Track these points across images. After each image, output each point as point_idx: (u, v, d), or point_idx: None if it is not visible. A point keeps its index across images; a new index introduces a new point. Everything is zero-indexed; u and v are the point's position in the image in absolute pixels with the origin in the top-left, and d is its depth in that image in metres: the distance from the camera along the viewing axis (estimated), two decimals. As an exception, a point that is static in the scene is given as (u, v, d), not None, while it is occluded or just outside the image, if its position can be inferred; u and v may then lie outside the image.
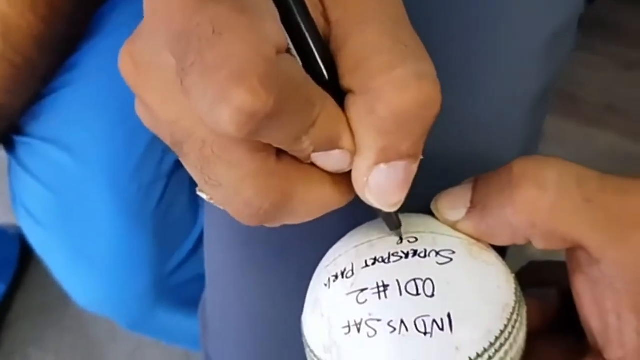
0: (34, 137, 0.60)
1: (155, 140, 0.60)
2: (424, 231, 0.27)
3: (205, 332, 0.47)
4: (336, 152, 0.23)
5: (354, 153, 0.23)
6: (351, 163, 0.23)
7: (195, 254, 0.66)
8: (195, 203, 0.66)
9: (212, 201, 0.25)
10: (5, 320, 1.17)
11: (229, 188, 0.22)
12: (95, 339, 1.15)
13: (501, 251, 0.31)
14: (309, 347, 0.27)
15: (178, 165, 0.63)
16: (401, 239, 0.27)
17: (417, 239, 0.26)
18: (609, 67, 0.95)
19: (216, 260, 0.43)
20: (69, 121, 0.60)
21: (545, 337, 0.30)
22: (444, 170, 0.30)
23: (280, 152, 0.23)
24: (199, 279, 0.47)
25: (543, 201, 0.25)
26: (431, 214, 0.28)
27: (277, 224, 0.25)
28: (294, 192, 0.23)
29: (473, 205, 0.27)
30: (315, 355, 0.27)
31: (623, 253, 0.25)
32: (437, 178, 0.28)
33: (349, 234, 0.29)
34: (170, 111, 0.22)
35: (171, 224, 0.64)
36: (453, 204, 0.27)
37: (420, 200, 0.28)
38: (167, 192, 0.63)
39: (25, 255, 1.17)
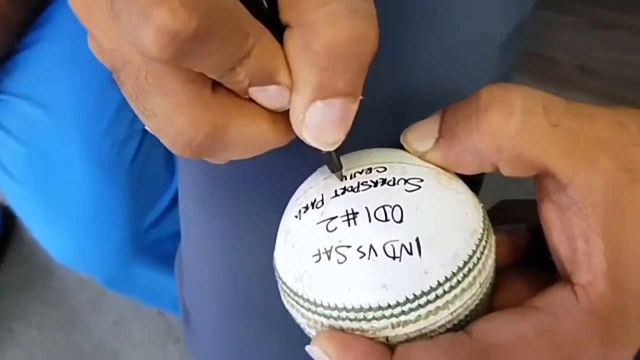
0: (7, 93, 0.60)
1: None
2: (392, 161, 0.27)
3: (181, 284, 0.48)
4: (273, 87, 0.23)
5: (292, 89, 0.23)
6: (290, 100, 0.24)
7: (173, 211, 0.67)
8: (172, 160, 0.67)
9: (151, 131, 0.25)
10: (-13, 295, 1.17)
11: (163, 118, 0.23)
12: (77, 311, 1.15)
13: (475, 185, 0.31)
14: (280, 279, 0.28)
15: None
16: (343, 177, 0.27)
17: (385, 169, 0.27)
18: (580, 27, 0.96)
19: (189, 208, 0.43)
20: (42, 77, 0.60)
21: (513, 272, 0.30)
22: (415, 108, 0.30)
23: (217, 86, 0.23)
24: (177, 237, 0.47)
25: (509, 126, 0.25)
26: (402, 148, 0.28)
27: (214, 158, 0.25)
28: (228, 125, 0.23)
29: (441, 135, 0.27)
30: (287, 287, 0.27)
31: (590, 177, 0.25)
32: (408, 117, 0.28)
33: (319, 169, 0.29)
34: (110, 39, 0.22)
35: (147, 180, 0.64)
36: (421, 134, 0.28)
37: (389, 139, 0.29)
38: (142, 148, 0.63)
39: (7, 231, 1.16)
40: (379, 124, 0.31)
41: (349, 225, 0.25)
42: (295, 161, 0.31)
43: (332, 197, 0.26)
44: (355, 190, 0.26)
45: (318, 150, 0.25)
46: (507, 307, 0.27)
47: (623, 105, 0.27)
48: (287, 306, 0.28)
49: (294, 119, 0.24)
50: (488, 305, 0.28)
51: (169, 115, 0.22)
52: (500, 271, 0.28)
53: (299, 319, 0.28)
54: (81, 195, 0.61)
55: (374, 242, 0.25)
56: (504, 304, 0.28)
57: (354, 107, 0.24)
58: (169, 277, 0.70)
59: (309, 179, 0.29)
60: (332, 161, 0.27)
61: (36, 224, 0.64)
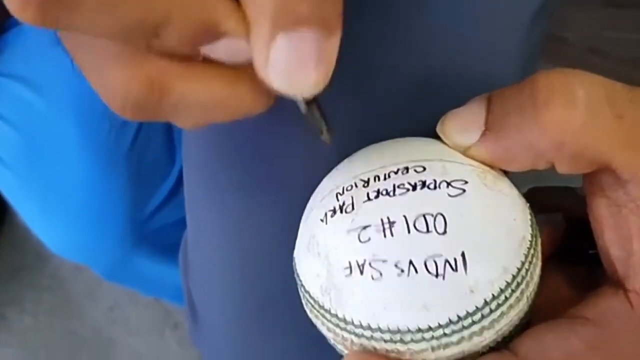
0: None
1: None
2: (431, 159, 0.24)
3: (186, 272, 0.46)
4: (221, 42, 0.20)
5: (244, 36, 0.19)
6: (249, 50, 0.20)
7: (175, 197, 0.64)
8: (172, 143, 0.64)
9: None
10: (-19, 281, 1.15)
11: (94, 75, 0.20)
12: (73, 298, 1.14)
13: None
14: (303, 287, 0.25)
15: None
16: (331, 139, 0.23)
17: (424, 168, 0.24)
18: (591, 5, 0.94)
19: (195, 192, 0.41)
20: (35, 57, 0.58)
21: (550, 266, 0.27)
22: (442, 89, 0.28)
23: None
24: (179, 224, 0.45)
25: (574, 120, 0.22)
26: (437, 137, 0.25)
27: (171, 119, 0.22)
28: (168, 83, 0.20)
29: (488, 128, 0.24)
30: (311, 297, 0.24)
31: None
32: (436, 97, 0.26)
33: (345, 162, 0.26)
34: None
35: (147, 166, 0.62)
36: (464, 126, 0.24)
37: (419, 123, 0.26)
38: (140, 133, 0.60)
39: (1, 216, 1.14)
40: (406, 105, 0.28)
41: (384, 236, 0.22)
42: (316, 142, 0.28)
43: (364, 200, 0.23)
44: (391, 194, 0.23)
45: (298, 110, 0.21)
46: (546, 305, 0.25)
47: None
48: (311, 315, 0.25)
49: (257, 64, 0.19)
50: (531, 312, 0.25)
51: (99, 71, 0.20)
52: None
53: (324, 331, 0.25)
54: (78, 183, 0.59)
55: (413, 257, 0.22)
56: (546, 303, 0.25)
57: (331, 43, 0.19)
58: (170, 267, 0.68)
59: (334, 173, 0.26)
60: (314, 119, 0.22)
61: (30, 213, 0.62)
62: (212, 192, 0.39)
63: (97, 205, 0.59)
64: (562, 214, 0.29)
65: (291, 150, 0.30)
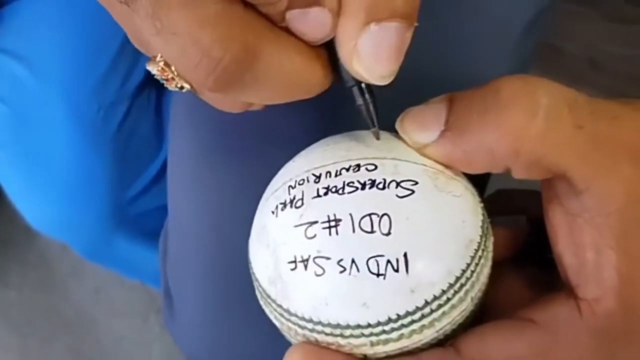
0: (-10, 47, 0.58)
1: (119, 59, 0.58)
2: (385, 157, 0.24)
3: (165, 259, 0.46)
4: (315, 9, 0.20)
5: (335, 14, 0.21)
6: (333, 29, 0.21)
7: (159, 183, 0.64)
8: (161, 130, 0.64)
9: (159, 64, 0.22)
10: (-34, 254, 1.15)
11: (185, 35, 0.20)
12: (58, 276, 1.14)
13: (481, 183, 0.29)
14: (254, 274, 0.26)
15: (143, 88, 0.61)
16: (378, 137, 0.24)
17: (376, 167, 0.24)
18: (593, 18, 0.93)
19: (178, 181, 0.42)
20: (29, 33, 0.57)
21: (510, 267, 0.28)
22: (428, 92, 0.27)
23: (248, 6, 0.20)
24: (162, 211, 0.45)
25: (533, 128, 0.22)
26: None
27: (238, 93, 0.22)
28: (260, 50, 0.20)
29: (448, 128, 0.24)
30: (260, 285, 0.25)
31: (611, 184, 0.23)
32: (421, 101, 0.25)
33: (302, 154, 0.26)
34: None
35: (133, 149, 0.62)
36: (424, 124, 0.24)
37: (393, 120, 0.26)
38: (129, 116, 0.60)
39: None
40: (389, 107, 0.28)
41: (329, 233, 0.23)
42: (295, 133, 0.28)
43: (313, 196, 0.24)
44: (340, 191, 0.23)
45: (359, 103, 0.23)
46: (502, 305, 0.25)
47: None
48: (261, 302, 0.26)
49: (343, 47, 0.21)
50: (480, 311, 0.26)
51: (193, 32, 0.19)
52: (497, 266, 0.26)
53: (272, 319, 0.26)
54: (62, 161, 0.59)
55: (356, 256, 0.22)
56: (499, 302, 0.26)
57: (409, 36, 0.21)
58: (152, 251, 0.67)
59: (290, 166, 0.26)
60: (369, 115, 0.24)
61: (13, 187, 0.62)
62: (195, 182, 0.39)
63: (80, 183, 0.59)
64: (525, 217, 0.29)
65: (276, 146, 0.30)
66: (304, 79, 0.22)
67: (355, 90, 0.24)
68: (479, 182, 0.26)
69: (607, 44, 0.95)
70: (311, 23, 0.21)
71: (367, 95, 0.24)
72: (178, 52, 0.20)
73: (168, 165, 0.43)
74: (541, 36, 0.40)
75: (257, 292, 0.26)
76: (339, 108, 0.28)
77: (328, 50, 0.22)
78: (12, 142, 0.58)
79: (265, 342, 0.38)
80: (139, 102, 0.61)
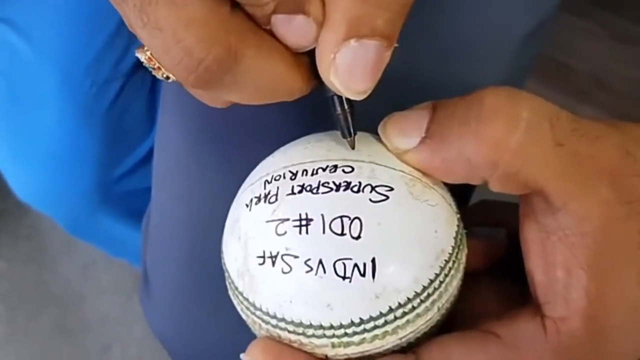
0: (-12, 14, 0.58)
1: (115, 37, 0.58)
2: (363, 160, 0.24)
3: (146, 245, 0.46)
4: (300, 17, 0.21)
5: (320, 25, 0.21)
6: (316, 38, 0.21)
7: (146, 165, 0.64)
8: (153, 112, 0.64)
9: (147, 53, 0.23)
10: (-42, 224, 1.16)
11: (169, 33, 0.20)
12: (48, 250, 1.15)
13: (466, 194, 0.28)
14: (225, 265, 0.26)
15: (138, 68, 0.61)
16: (354, 146, 0.25)
17: (353, 169, 0.24)
18: (601, 37, 0.93)
19: (162, 165, 0.42)
20: (29, 4, 0.57)
21: (485, 280, 0.28)
22: (424, 95, 0.27)
23: (235, 8, 0.21)
24: (148, 192, 0.45)
25: (512, 140, 0.22)
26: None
27: (217, 92, 0.23)
28: (243, 53, 0.21)
29: (428, 135, 0.24)
30: (229, 276, 0.25)
31: (587, 204, 0.23)
32: (411, 99, 0.26)
33: (282, 149, 0.26)
34: None
35: (124, 128, 0.62)
36: (405, 130, 0.24)
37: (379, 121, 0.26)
38: (122, 94, 0.60)
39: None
40: (382, 107, 0.29)
41: (300, 232, 0.23)
42: (283, 127, 0.28)
43: (287, 193, 0.24)
44: (314, 191, 0.23)
45: (334, 110, 0.23)
46: (473, 316, 0.25)
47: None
48: (229, 293, 0.26)
49: (322, 58, 0.21)
50: (447, 321, 0.25)
51: (177, 31, 0.20)
52: (472, 277, 0.26)
53: (239, 311, 0.26)
54: (51, 132, 0.59)
55: (324, 257, 0.22)
56: (470, 313, 0.26)
57: (388, 55, 0.21)
58: (136, 231, 0.67)
59: (268, 160, 0.26)
60: (346, 124, 0.24)
61: (1, 155, 0.62)
62: (179, 168, 0.39)
63: (67, 157, 0.60)
64: (505, 231, 0.29)
65: (262, 139, 0.30)
66: (284, 84, 0.22)
67: (334, 99, 0.24)
68: (463, 192, 0.26)
69: (614, 64, 0.95)
70: (295, 30, 0.21)
71: (345, 105, 0.24)
72: (161, 48, 0.21)
73: (155, 148, 0.43)
74: (541, 48, 0.40)
75: (227, 283, 0.26)
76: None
77: (310, 58, 0.22)
78: (4, 110, 0.59)
79: (232, 333, 0.38)
80: (133, 82, 0.61)
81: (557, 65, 0.94)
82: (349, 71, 0.21)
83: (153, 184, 0.43)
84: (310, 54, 0.22)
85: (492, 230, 0.29)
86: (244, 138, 0.36)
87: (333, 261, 0.22)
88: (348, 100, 0.24)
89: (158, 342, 1.06)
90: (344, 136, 0.24)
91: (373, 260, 0.22)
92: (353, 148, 0.24)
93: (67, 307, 1.09)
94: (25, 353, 1.06)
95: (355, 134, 0.24)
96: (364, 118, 0.26)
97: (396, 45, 0.21)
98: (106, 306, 1.08)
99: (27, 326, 1.08)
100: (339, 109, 0.24)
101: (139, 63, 0.62)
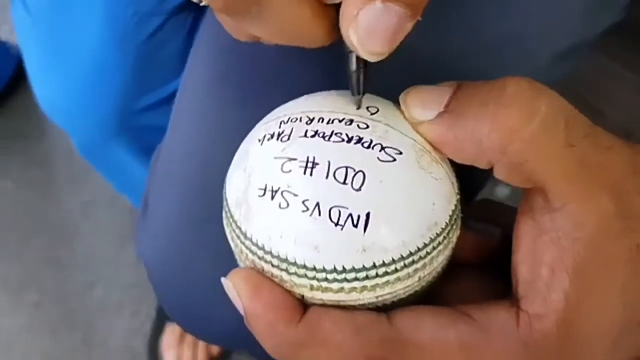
0: None
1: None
2: (380, 121, 0.25)
3: (154, 171, 0.47)
4: None
5: None
6: None
7: (169, 105, 0.65)
8: (185, 55, 0.64)
9: None
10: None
11: None
12: (57, 180, 1.16)
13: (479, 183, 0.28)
14: (225, 195, 0.26)
15: (182, 10, 0.62)
16: (360, 105, 0.25)
17: (368, 127, 0.24)
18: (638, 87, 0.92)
19: (185, 100, 0.43)
20: None
21: (472, 271, 0.28)
22: (442, 78, 0.28)
23: None
24: (163, 132, 0.46)
25: (525, 131, 0.23)
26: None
27: (242, 21, 0.23)
28: None
29: (447, 110, 0.24)
30: (227, 205, 0.26)
31: (585, 211, 0.23)
32: (430, 80, 0.26)
33: (304, 97, 0.27)
34: None
35: (155, 64, 0.62)
36: (426, 102, 0.25)
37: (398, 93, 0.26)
38: (161, 31, 0.61)
39: (17, 80, 1.16)
40: (398, 79, 0.29)
41: (304, 173, 0.23)
42: (303, 82, 0.29)
43: (300, 136, 0.24)
44: (327, 138, 0.24)
45: (349, 65, 0.24)
46: (452, 303, 0.25)
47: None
48: (224, 222, 0.27)
49: (346, 12, 0.22)
50: (426, 296, 0.26)
51: None
52: (460, 267, 0.27)
53: (230, 240, 0.26)
54: (87, 51, 0.59)
55: (322, 201, 0.23)
56: (450, 299, 0.26)
57: (410, 26, 0.22)
58: (145, 169, 0.68)
59: (289, 104, 0.27)
60: (357, 84, 0.25)
61: (32, 58, 0.63)
62: (199, 108, 0.40)
63: (97, 78, 0.60)
64: (500, 230, 0.28)
65: (287, 93, 0.31)
66: (307, 30, 0.23)
67: (352, 56, 0.25)
68: (470, 189, 0.26)
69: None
70: None
71: (360, 65, 0.25)
72: None
73: (180, 86, 0.44)
74: (568, 77, 0.40)
75: (223, 213, 0.27)
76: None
77: (337, 12, 0.23)
78: (43, 18, 0.59)
79: (218, 264, 0.38)
80: (174, 22, 0.61)
81: (590, 109, 0.93)
82: (369, 31, 0.22)
83: (172, 118, 0.44)
84: (338, 8, 0.23)
85: (488, 227, 0.29)
86: (266, 89, 0.37)
87: (330, 207, 0.23)
88: (364, 60, 0.24)
89: (141, 291, 1.07)
90: (353, 94, 0.25)
91: (368, 215, 0.23)
92: (359, 108, 0.25)
93: (61, 239, 1.10)
94: (12, 275, 1.07)
95: (364, 94, 0.25)
96: (384, 91, 0.27)
97: (419, 19, 0.22)
98: (98, 246, 1.09)
99: (18, 249, 1.09)
100: (354, 66, 0.25)
101: (183, 5, 0.63)
